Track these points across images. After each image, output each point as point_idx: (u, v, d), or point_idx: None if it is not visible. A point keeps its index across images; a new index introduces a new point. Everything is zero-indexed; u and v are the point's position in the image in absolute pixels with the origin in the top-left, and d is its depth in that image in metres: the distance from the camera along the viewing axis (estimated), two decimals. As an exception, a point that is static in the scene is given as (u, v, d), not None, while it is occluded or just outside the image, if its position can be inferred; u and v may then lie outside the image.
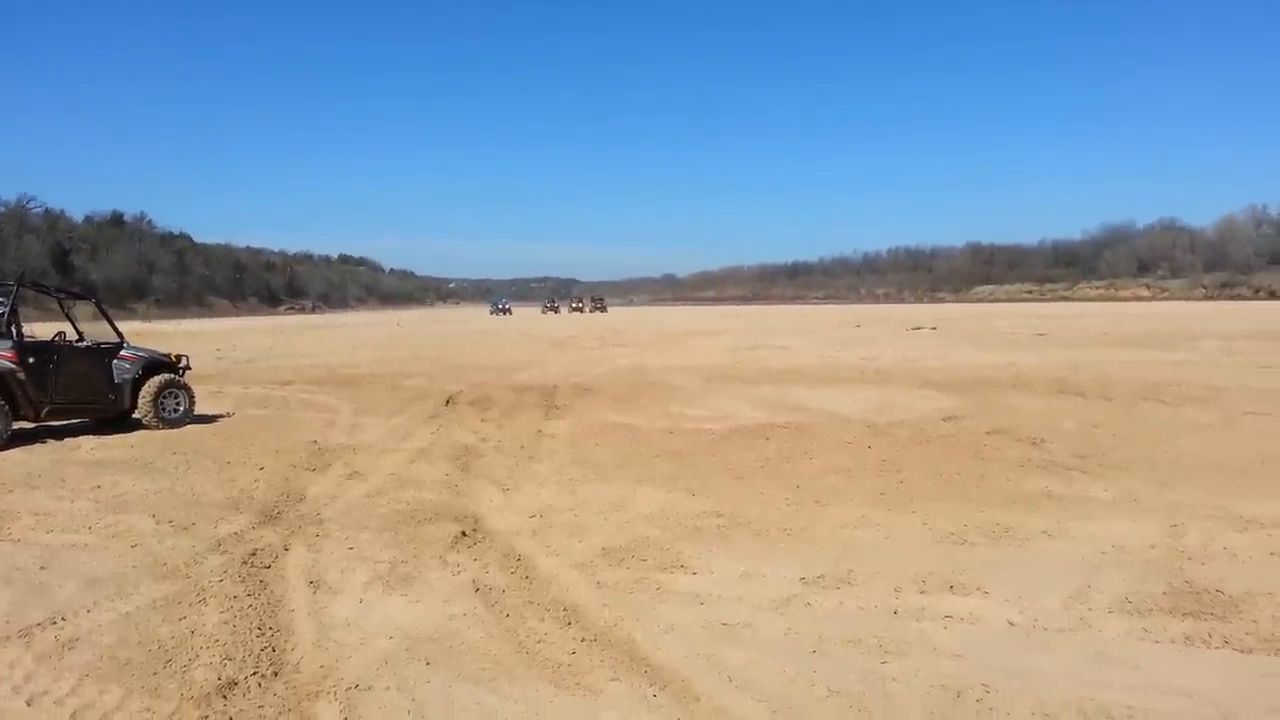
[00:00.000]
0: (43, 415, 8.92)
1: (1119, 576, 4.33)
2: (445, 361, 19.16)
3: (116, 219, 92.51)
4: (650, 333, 34.50)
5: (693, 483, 6.62)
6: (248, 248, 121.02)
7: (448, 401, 11.55)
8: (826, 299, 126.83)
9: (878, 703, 3.08)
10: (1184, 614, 3.85)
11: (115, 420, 9.64)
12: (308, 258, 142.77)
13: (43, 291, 10.72)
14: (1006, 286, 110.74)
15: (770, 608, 4.00)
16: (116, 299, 66.59)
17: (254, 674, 3.32)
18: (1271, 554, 4.67)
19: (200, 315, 77.28)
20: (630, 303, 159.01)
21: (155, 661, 3.43)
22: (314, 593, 4.23)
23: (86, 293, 11.69)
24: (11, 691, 3.19)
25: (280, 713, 3.05)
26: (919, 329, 31.66)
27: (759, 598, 4.13)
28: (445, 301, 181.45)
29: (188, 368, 10.44)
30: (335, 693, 3.18)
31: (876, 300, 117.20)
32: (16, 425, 8.66)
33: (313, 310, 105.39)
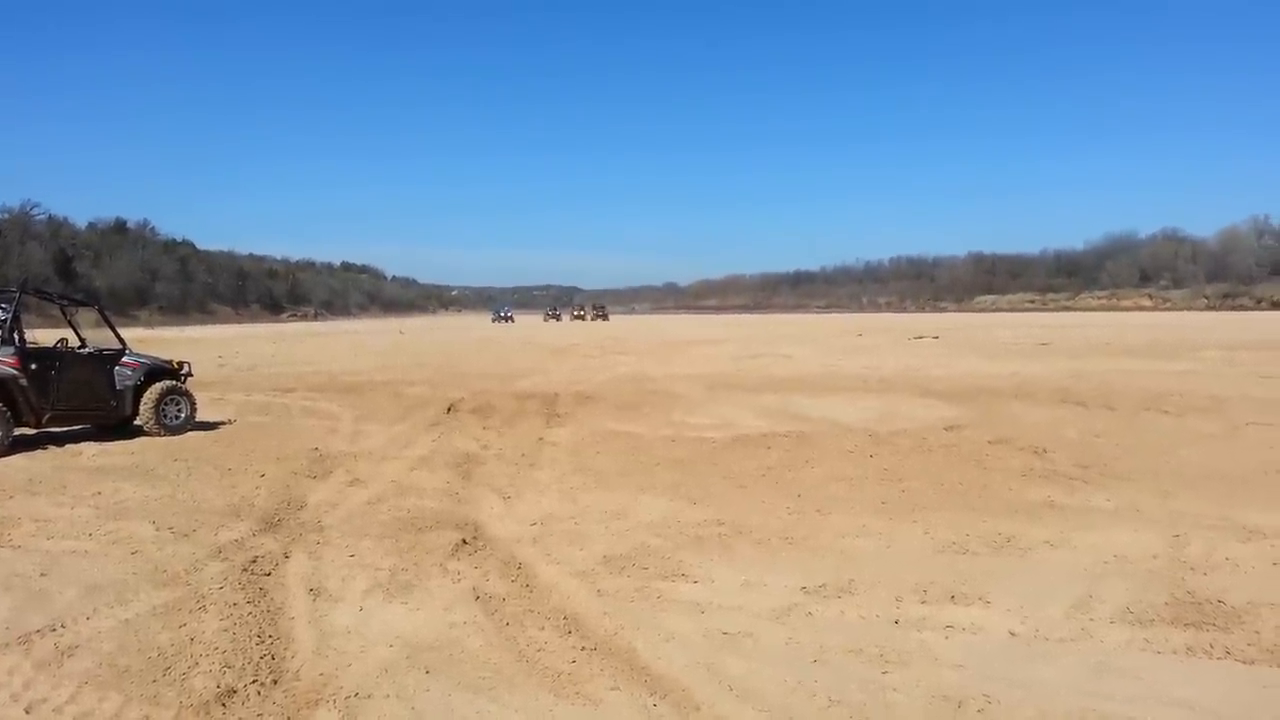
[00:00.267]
0: (44, 421, 8.94)
1: (1121, 587, 4.32)
2: (447, 369, 19.18)
3: (119, 226, 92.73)
4: (652, 341, 34.52)
5: (694, 491, 6.61)
6: (250, 255, 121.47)
7: (449, 409, 11.55)
8: (828, 308, 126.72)
9: (878, 713, 3.07)
10: (1186, 624, 3.83)
11: (117, 427, 9.64)
12: (310, 265, 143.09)
13: (45, 298, 10.74)
14: (1009, 296, 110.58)
15: (771, 617, 3.99)
16: (119, 306, 66.65)
17: (253, 682, 3.31)
18: (1274, 564, 4.65)
19: (203, 322, 77.40)
20: (632, 311, 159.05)
21: (155, 669, 3.42)
22: (314, 600, 4.23)
23: (89, 299, 11.70)
24: (10, 699, 3.18)
25: (279, 721, 3.04)
26: (921, 338, 31.67)
27: (760, 607, 4.12)
28: (448, 309, 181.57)
29: (189, 374, 10.46)
30: (335, 701, 3.17)
31: (878, 309, 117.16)
32: (18, 431, 8.67)
33: (315, 317, 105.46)
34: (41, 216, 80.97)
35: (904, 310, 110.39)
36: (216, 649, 3.60)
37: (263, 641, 3.69)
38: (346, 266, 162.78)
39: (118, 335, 10.07)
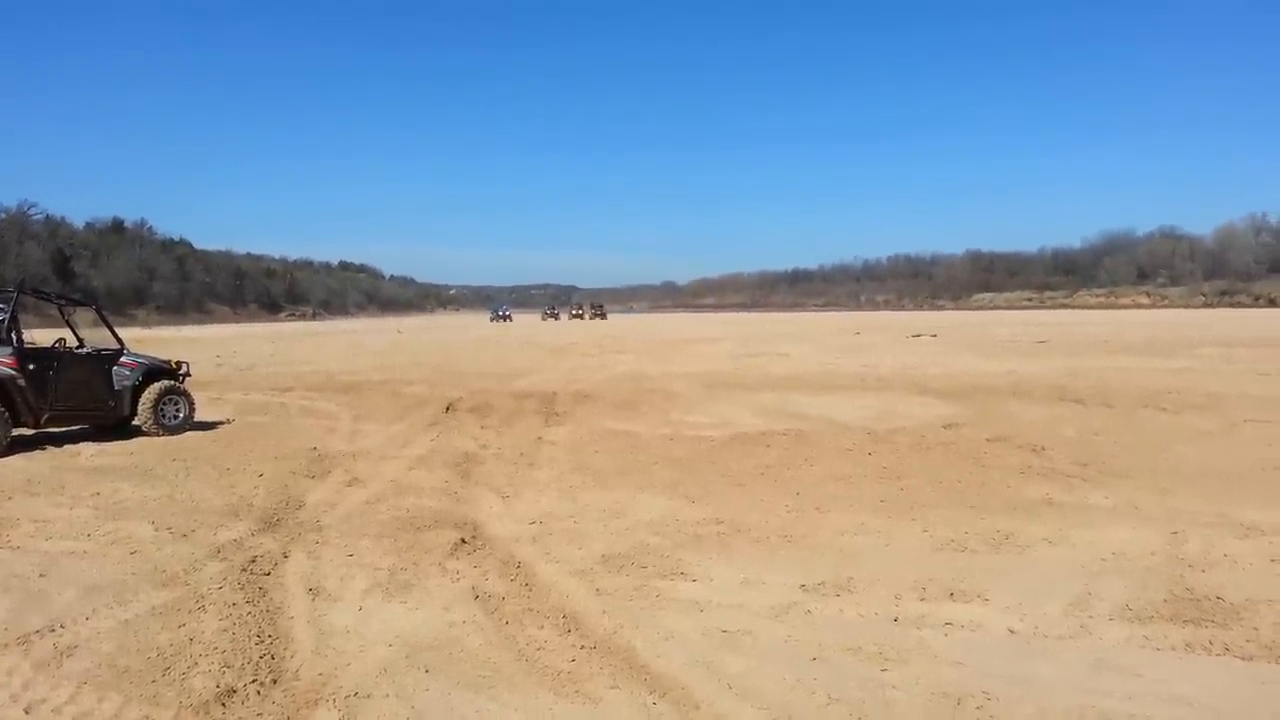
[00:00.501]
0: (43, 422, 8.93)
1: (1120, 584, 4.33)
2: (445, 368, 19.16)
3: (117, 225, 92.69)
4: (650, 339, 34.51)
5: (693, 490, 6.62)
6: (248, 254, 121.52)
7: (448, 408, 11.55)
8: (826, 306, 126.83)
9: (878, 710, 3.07)
10: (1185, 621, 3.84)
11: (115, 427, 9.63)
12: (308, 264, 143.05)
13: (43, 298, 10.72)
14: (1006, 294, 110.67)
15: (770, 615, 4.00)
16: (117, 305, 66.62)
17: (253, 681, 3.31)
18: (1272, 561, 4.66)
19: (200, 322, 77.33)
20: (630, 310, 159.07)
21: (154, 669, 3.42)
22: (313, 600, 4.23)
23: (87, 299, 11.68)
24: (9, 699, 3.18)
25: (279, 720, 3.04)
26: (919, 336, 31.69)
27: (759, 605, 4.12)
28: (446, 308, 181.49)
29: (188, 374, 10.45)
30: (334, 700, 3.17)
31: (876, 307, 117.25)
32: (16, 432, 8.66)
33: (313, 317, 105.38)
34: (39, 216, 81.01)
35: (902, 308, 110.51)
36: (216, 649, 3.60)
37: (262, 641, 3.69)
38: (344, 266, 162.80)
39: (115, 335, 10.06)
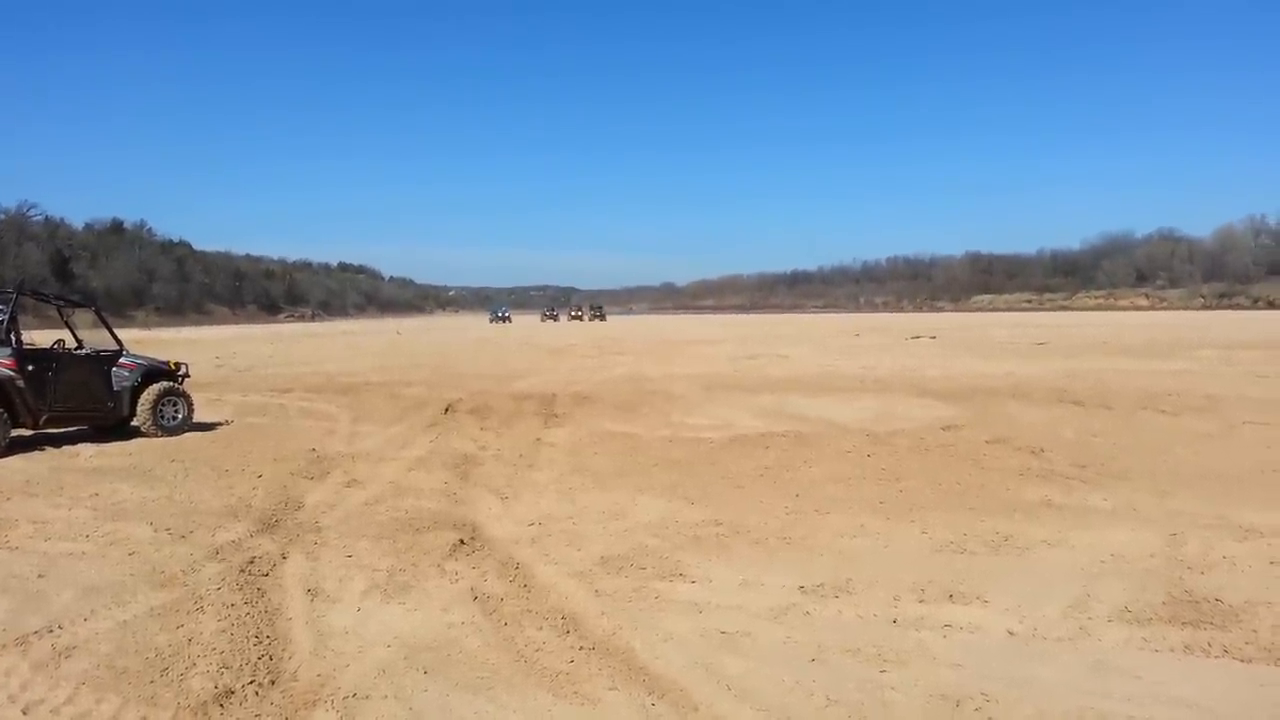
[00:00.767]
0: (41, 423, 8.92)
1: (1118, 586, 4.33)
2: (444, 369, 19.16)
3: (116, 226, 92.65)
4: (649, 341, 34.51)
5: (692, 491, 6.61)
6: (247, 255, 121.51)
7: (447, 410, 11.54)
8: (826, 308, 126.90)
9: (876, 712, 3.07)
10: (1183, 623, 3.84)
11: (114, 428, 9.63)
12: (307, 265, 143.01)
13: (42, 299, 10.72)
14: (1005, 296, 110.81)
15: (769, 616, 3.99)
16: (116, 307, 66.55)
17: (251, 682, 3.31)
18: (1271, 563, 4.66)
19: (200, 323, 77.31)
20: (630, 311, 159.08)
21: (152, 670, 3.42)
22: (312, 601, 4.22)
23: (86, 300, 11.68)
24: (8, 700, 3.17)
25: (277, 721, 3.04)
26: (918, 338, 31.70)
27: (758, 606, 4.12)
28: (445, 309, 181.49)
29: (187, 375, 10.45)
30: (333, 701, 3.17)
31: (875, 309, 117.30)
32: (15, 433, 8.65)
33: (312, 318, 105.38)
34: (38, 217, 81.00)
35: (901, 310, 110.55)
36: (214, 650, 3.60)
37: (260, 642, 3.69)
38: (343, 267, 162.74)
39: (114, 336, 10.05)
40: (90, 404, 9.36)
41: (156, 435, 9.47)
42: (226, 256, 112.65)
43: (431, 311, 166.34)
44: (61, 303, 10.52)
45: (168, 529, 5.52)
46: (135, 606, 4.13)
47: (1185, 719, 3.00)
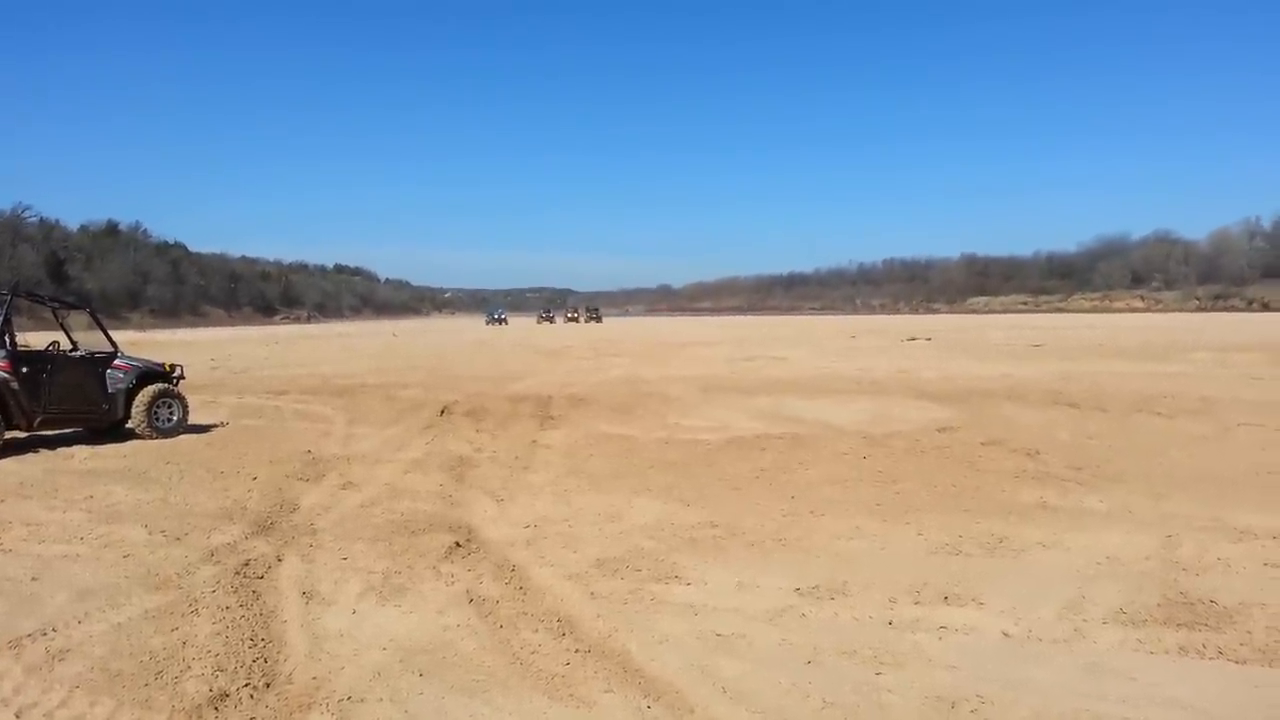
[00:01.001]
0: (36, 425, 8.89)
1: (1114, 588, 4.34)
2: (440, 371, 19.14)
3: (111, 228, 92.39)
4: (646, 343, 34.52)
5: (688, 493, 6.61)
6: (243, 257, 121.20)
7: (443, 412, 11.53)
8: (822, 310, 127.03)
9: (872, 714, 3.07)
10: (1178, 625, 3.85)
11: (109, 430, 9.60)
12: (303, 267, 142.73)
13: (37, 301, 10.69)
14: (1001, 298, 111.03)
15: (765, 619, 3.99)
16: (111, 308, 66.36)
17: (246, 685, 3.30)
18: (1265, 565, 4.67)
19: (195, 325, 77.15)
20: (626, 313, 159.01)
21: (146, 673, 3.41)
22: (307, 604, 4.21)
23: (81, 302, 11.63)
24: (1, 704, 3.16)
25: (272, 724, 3.03)
26: (914, 340, 31.76)
27: (754, 609, 4.12)
28: (441, 311, 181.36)
29: (182, 377, 10.42)
30: (328, 704, 3.16)
31: (872, 311, 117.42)
32: (9, 435, 8.62)
33: (308, 320, 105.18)
34: (33, 219, 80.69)
35: (897, 312, 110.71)
36: (209, 652, 3.59)
37: (255, 645, 3.68)
38: (339, 269, 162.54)
39: (109, 338, 10.03)
40: (85, 406, 9.33)
41: (151, 437, 9.45)
42: (222, 258, 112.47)
43: (427, 313, 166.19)
44: (56, 304, 10.48)
45: (162, 531, 5.51)
46: (130, 609, 4.11)
47: (1180, 720, 3.00)
